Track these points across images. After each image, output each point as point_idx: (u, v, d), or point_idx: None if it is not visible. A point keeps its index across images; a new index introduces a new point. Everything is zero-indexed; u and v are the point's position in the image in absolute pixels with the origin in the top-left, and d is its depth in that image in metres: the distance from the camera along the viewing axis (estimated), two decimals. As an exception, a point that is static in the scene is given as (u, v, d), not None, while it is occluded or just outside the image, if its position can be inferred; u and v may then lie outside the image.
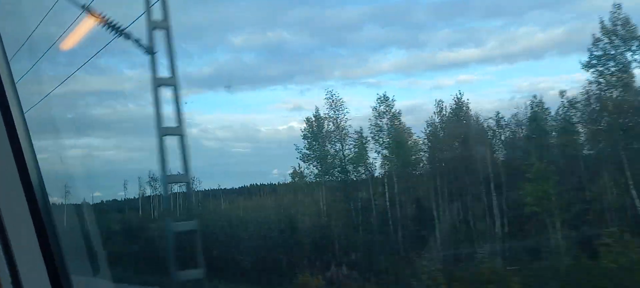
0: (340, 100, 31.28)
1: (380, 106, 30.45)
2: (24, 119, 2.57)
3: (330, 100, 31.34)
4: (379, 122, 30.33)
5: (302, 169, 32.98)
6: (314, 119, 31.76)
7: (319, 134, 31.72)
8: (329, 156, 31.34)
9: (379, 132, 30.24)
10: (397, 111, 30.44)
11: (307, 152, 31.84)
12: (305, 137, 31.82)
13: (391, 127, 30.16)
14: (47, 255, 2.49)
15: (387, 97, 30.54)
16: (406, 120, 30.62)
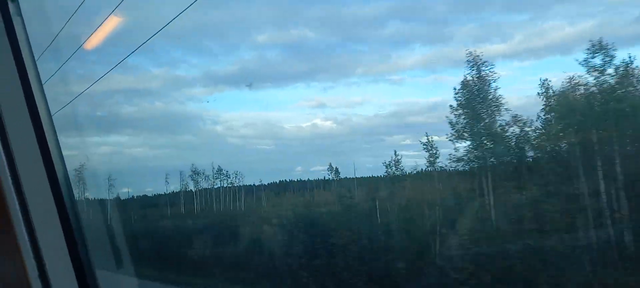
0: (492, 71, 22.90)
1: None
2: (51, 118, 2.66)
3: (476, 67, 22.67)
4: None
5: (398, 157, 26.40)
6: (471, 80, 23.01)
7: (477, 102, 23.28)
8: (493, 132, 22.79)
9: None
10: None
11: (456, 123, 23.14)
12: (460, 105, 23.25)
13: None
14: (72, 249, 2.58)
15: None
16: (429, 117, 29.93)
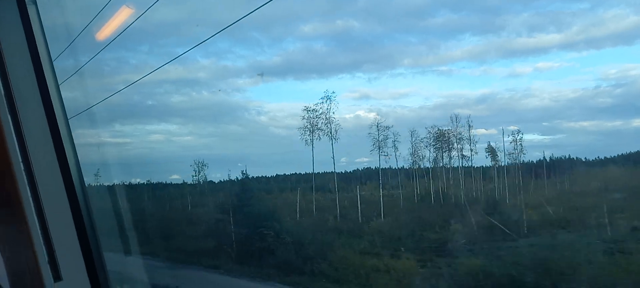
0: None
1: None
2: (64, 108, 2.70)
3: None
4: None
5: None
6: None
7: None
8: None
9: None
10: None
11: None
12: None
13: None
14: (82, 237, 2.63)
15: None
16: (479, 109, 29.09)
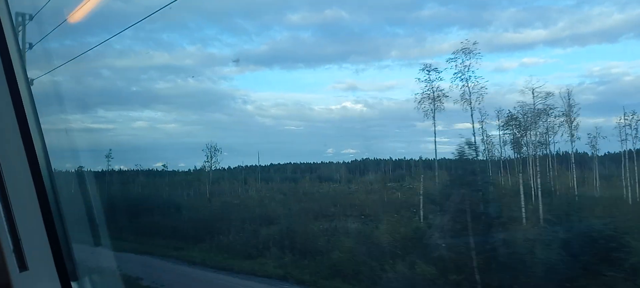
0: None
1: None
2: (30, 92, 2.63)
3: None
4: None
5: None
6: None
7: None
8: None
9: None
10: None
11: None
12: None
13: None
14: (49, 225, 2.57)
15: None
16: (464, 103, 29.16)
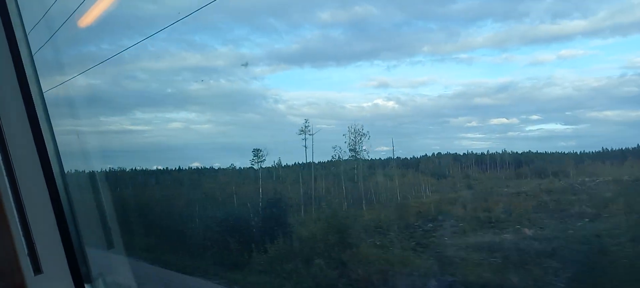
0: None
1: None
2: (42, 94, 2.64)
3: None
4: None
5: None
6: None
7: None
8: None
9: None
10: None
11: None
12: None
13: None
14: (62, 227, 2.58)
15: None
16: (499, 98, 28.36)
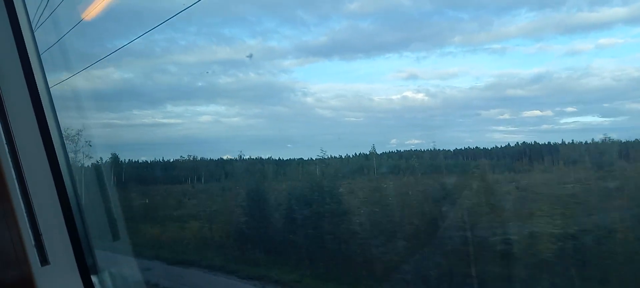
0: None
1: None
2: (48, 90, 2.68)
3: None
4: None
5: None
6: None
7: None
8: None
9: None
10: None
11: None
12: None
13: None
14: (69, 219, 2.62)
15: None
16: (533, 89, 27.33)
